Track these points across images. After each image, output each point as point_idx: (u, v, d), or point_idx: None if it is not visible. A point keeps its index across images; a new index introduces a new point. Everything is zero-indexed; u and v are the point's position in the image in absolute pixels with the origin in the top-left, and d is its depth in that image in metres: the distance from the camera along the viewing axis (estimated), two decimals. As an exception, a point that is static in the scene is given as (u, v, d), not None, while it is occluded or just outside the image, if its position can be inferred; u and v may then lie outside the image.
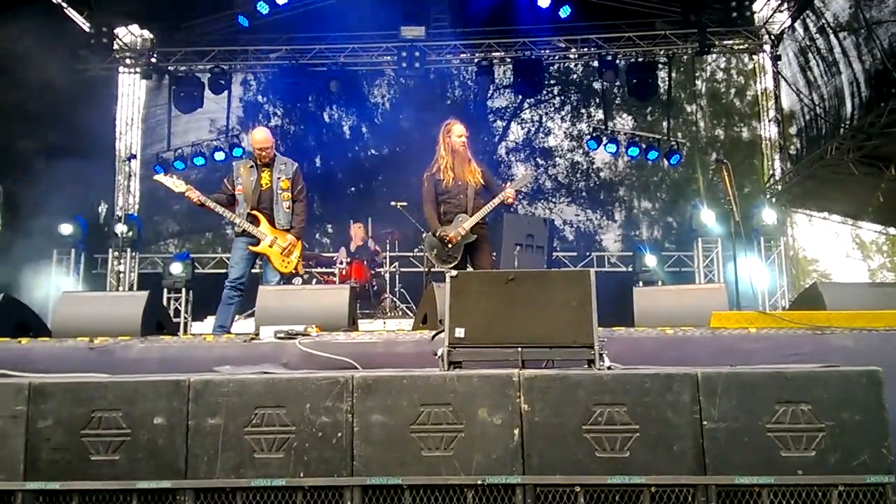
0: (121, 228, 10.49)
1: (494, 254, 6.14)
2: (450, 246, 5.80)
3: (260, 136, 6.00)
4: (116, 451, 2.75)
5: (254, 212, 5.91)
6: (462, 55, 12.20)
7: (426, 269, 10.02)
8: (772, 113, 12.35)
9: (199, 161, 11.89)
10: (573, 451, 2.64)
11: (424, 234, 6.09)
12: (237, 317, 6.06)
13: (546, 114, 13.94)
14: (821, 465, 2.57)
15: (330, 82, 11.69)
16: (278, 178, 5.98)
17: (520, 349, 3.02)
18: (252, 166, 6.01)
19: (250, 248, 5.87)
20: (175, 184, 5.89)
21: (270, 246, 5.87)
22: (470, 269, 5.83)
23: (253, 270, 6.07)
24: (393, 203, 9.79)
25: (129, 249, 11.48)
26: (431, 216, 5.91)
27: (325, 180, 13.26)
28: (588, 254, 12.59)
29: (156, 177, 6.10)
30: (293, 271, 6.08)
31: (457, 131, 5.92)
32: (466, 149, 5.95)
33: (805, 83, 10.73)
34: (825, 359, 3.17)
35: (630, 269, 11.90)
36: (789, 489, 2.57)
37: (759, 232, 11.33)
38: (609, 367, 2.95)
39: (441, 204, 5.91)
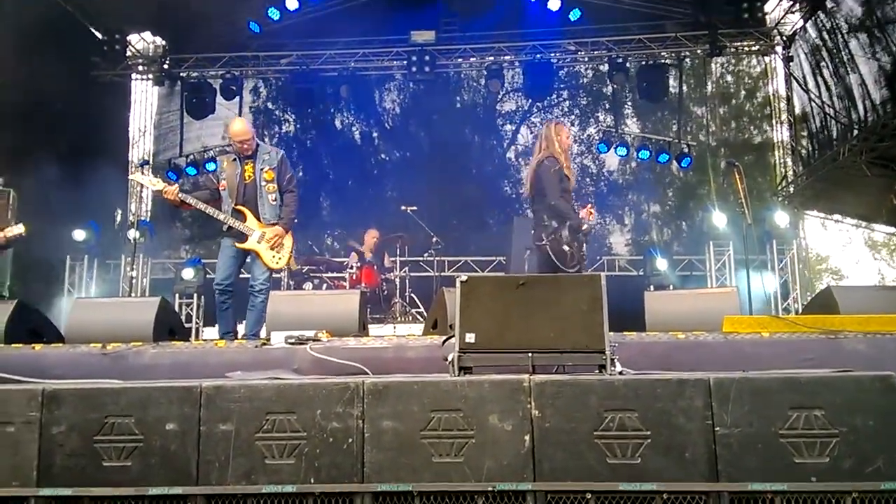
0: (133, 234, 10.54)
1: None
2: (585, 246, 5.55)
3: (237, 128, 5.66)
4: (129, 458, 2.77)
5: (238, 207, 5.59)
6: (472, 59, 12.21)
7: (437, 273, 10.05)
8: (783, 115, 12.27)
9: (211, 166, 11.92)
10: (584, 457, 2.63)
11: (563, 223, 5.47)
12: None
13: (556, 118, 13.90)
14: (834, 472, 2.55)
15: (340, 87, 11.74)
16: (261, 170, 5.64)
17: (530, 354, 3.01)
18: (235, 160, 5.69)
19: (237, 245, 5.58)
20: (152, 181, 5.68)
21: (259, 242, 5.56)
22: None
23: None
24: (403, 207, 9.80)
25: (141, 255, 11.54)
26: (571, 208, 5.52)
27: (334, 186, 13.31)
28: (598, 258, 12.54)
29: (131, 175, 5.85)
30: (286, 266, 5.87)
31: (566, 132, 5.80)
32: None
33: (816, 84, 10.65)
34: (838, 363, 3.14)
35: (641, 273, 11.83)
36: (803, 496, 2.55)
37: (771, 235, 11.25)
38: (620, 373, 2.94)
39: None
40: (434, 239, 9.79)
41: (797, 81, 11.34)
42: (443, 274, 10.43)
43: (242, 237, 5.57)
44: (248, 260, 5.77)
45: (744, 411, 2.61)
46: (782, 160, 12.31)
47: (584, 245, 5.58)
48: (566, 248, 5.43)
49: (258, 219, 5.61)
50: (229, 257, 5.63)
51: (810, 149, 11.23)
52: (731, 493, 2.56)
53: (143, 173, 5.97)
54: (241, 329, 6.05)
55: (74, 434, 2.80)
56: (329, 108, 13.35)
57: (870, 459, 2.55)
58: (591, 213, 5.73)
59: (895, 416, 2.57)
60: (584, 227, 5.49)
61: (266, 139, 13.21)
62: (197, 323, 11.31)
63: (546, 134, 5.78)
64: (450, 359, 3.03)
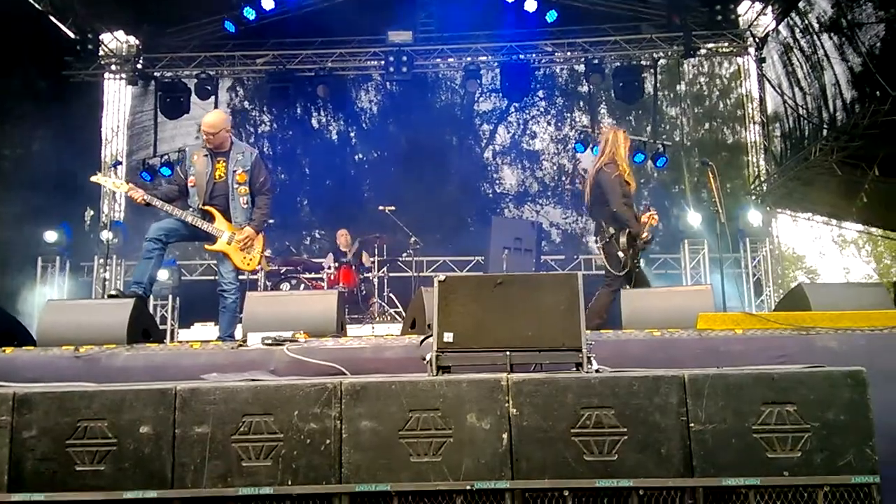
0: (106, 235, 10.41)
1: None
2: (643, 248, 5.67)
3: (208, 118, 5.39)
4: (102, 462, 2.73)
5: (207, 207, 5.35)
6: (449, 59, 12.24)
7: (415, 273, 10.05)
8: (756, 115, 12.46)
9: (186, 167, 11.84)
10: (562, 454, 2.65)
11: (622, 231, 5.64)
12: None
13: (532, 118, 13.98)
14: (806, 466, 2.59)
15: (317, 87, 11.70)
16: (234, 171, 5.36)
17: (508, 353, 3.01)
18: (207, 155, 5.37)
19: (206, 246, 5.40)
20: (115, 184, 5.46)
21: (228, 243, 5.34)
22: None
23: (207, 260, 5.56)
24: (381, 207, 9.78)
25: (114, 256, 11.39)
26: (632, 216, 5.66)
27: (312, 186, 13.25)
28: (576, 256, 12.63)
29: (93, 177, 5.42)
30: (257, 267, 5.67)
31: (626, 138, 5.92)
32: None
33: (789, 85, 10.83)
34: (810, 359, 3.19)
35: (618, 272, 11.92)
36: (776, 490, 2.58)
37: (745, 233, 11.42)
38: (597, 370, 2.96)
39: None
40: (412, 239, 9.79)
41: (769, 82, 11.52)
42: (421, 274, 10.44)
43: (211, 238, 5.37)
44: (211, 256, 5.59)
45: (718, 407, 2.65)
46: (755, 160, 12.50)
47: (640, 252, 5.72)
48: (620, 253, 5.61)
49: (228, 220, 5.40)
50: (179, 220, 5.32)
51: (782, 148, 11.42)
52: (706, 489, 2.59)
53: (105, 175, 5.71)
54: (216, 330, 5.95)
55: (46, 438, 2.75)
56: (306, 108, 13.29)
57: (841, 453, 2.59)
58: (653, 218, 5.75)
59: (865, 411, 2.62)
60: (644, 235, 5.61)
61: (243, 138, 13.11)
62: (172, 325, 11.19)
63: (610, 138, 5.90)
64: (428, 358, 3.03)
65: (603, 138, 6.02)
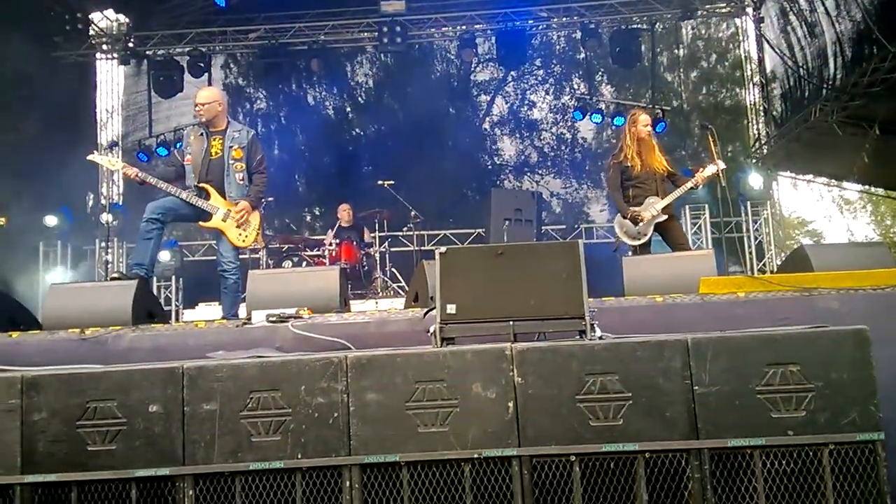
0: (106, 218, 10.42)
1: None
2: (641, 224, 6.00)
3: (201, 94, 5.46)
4: (113, 441, 2.76)
5: (202, 185, 5.34)
6: (444, 28, 12.09)
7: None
8: (756, 77, 12.34)
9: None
10: (567, 421, 2.67)
11: (615, 217, 6.36)
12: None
13: (530, 87, 13.86)
14: (811, 425, 2.61)
15: (311, 61, 11.57)
16: (230, 147, 5.40)
17: (511, 323, 3.03)
18: (202, 133, 5.42)
19: (201, 223, 5.38)
20: (110, 162, 5.48)
21: (224, 220, 5.32)
22: (666, 246, 6.12)
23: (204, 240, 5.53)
24: (380, 182, 9.75)
25: (115, 239, 11.39)
26: (619, 200, 6.18)
27: (310, 163, 13.19)
28: (577, 226, 12.61)
29: (89, 156, 5.43)
30: (253, 244, 5.62)
31: (642, 121, 6.21)
32: (651, 137, 6.25)
33: (788, 45, 10.70)
34: (813, 320, 3.19)
35: (619, 239, 11.92)
36: (780, 450, 2.61)
37: (746, 197, 11.39)
38: (600, 337, 2.97)
39: (630, 188, 6.14)
40: (412, 213, 9.76)
41: (768, 43, 11.38)
42: (422, 248, 10.44)
43: (206, 215, 5.35)
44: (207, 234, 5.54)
45: (721, 370, 2.66)
46: (755, 122, 12.41)
47: (646, 226, 6.02)
48: (619, 228, 6.16)
49: (223, 197, 5.39)
50: (177, 199, 5.29)
51: (782, 109, 11.33)
52: (711, 450, 2.62)
53: (101, 154, 5.71)
54: (220, 310, 5.94)
55: (56, 420, 2.78)
56: (301, 84, 13.17)
57: (844, 412, 2.61)
58: (701, 176, 6.00)
59: (868, 369, 2.64)
60: (628, 215, 6.03)
61: (240, 116, 13.02)
62: (177, 305, 11.24)
63: (624, 125, 6.39)
64: (432, 330, 3.05)
65: None
